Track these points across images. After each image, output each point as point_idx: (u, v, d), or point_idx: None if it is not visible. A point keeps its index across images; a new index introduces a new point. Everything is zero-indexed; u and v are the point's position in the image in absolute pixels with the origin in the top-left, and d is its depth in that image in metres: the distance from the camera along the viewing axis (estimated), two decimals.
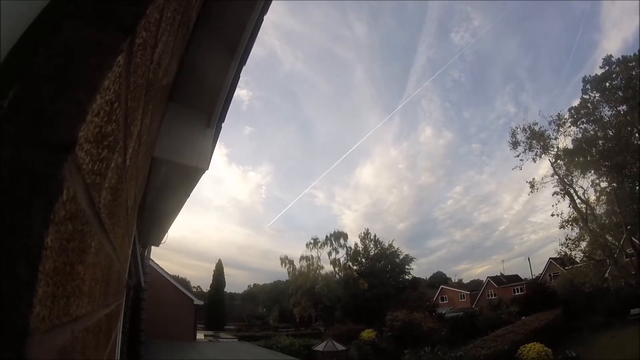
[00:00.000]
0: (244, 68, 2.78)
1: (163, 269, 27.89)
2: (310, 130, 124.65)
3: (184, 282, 50.16)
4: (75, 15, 0.54)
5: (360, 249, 57.50)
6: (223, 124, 3.09)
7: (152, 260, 20.56)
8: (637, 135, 29.95)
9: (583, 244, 31.98)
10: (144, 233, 6.16)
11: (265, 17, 2.60)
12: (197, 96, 2.73)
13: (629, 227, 28.85)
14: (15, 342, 0.44)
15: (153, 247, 10.40)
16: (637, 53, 29.74)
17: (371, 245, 57.36)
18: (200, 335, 33.43)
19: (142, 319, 10.97)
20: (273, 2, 2.53)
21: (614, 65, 30.91)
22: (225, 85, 2.65)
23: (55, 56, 0.54)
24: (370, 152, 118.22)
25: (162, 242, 7.48)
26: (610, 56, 31.59)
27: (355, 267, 56.07)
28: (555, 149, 33.16)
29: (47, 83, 0.52)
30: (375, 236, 58.20)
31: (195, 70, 2.49)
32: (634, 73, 29.19)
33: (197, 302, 29.39)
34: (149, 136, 1.63)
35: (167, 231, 6.21)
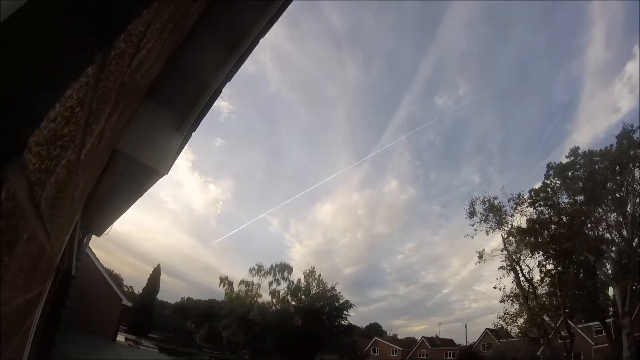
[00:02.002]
0: (230, 81, 2.81)
1: (99, 260, 26.45)
2: (280, 157, 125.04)
3: (117, 279, 47.44)
4: (52, 21, 0.56)
5: (303, 286, 56.69)
6: (194, 133, 3.06)
7: (90, 249, 19.48)
8: (589, 225, 31.78)
9: (520, 320, 33.03)
10: (88, 220, 5.87)
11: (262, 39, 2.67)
12: (175, 99, 2.71)
13: (567, 310, 30.15)
14: None
15: (95, 237, 9.88)
16: (602, 149, 31.94)
17: (314, 284, 56.71)
18: (121, 338, 31.38)
19: (65, 307, 10.24)
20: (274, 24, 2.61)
21: (579, 157, 33.01)
22: (205, 95, 2.65)
23: (18, 60, 0.55)
24: (333, 191, 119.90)
25: (105, 233, 7.14)
26: (577, 148, 33.79)
27: (293, 303, 55.14)
28: (509, 226, 34.66)
29: (7, 87, 0.53)
30: (319, 275, 57.56)
31: (180, 74, 2.49)
32: (596, 167, 31.28)
33: (125, 302, 27.86)
34: (113, 131, 1.60)
35: (112, 223, 5.94)
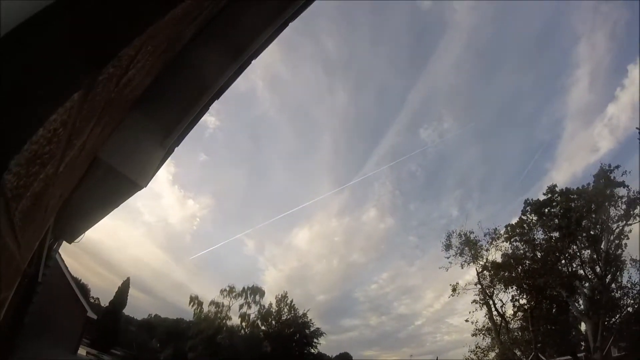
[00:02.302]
0: (219, 99, 2.85)
1: (67, 268, 25.45)
2: (261, 177, 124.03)
3: (84, 289, 45.56)
4: (40, 48, 0.58)
5: (274, 311, 55.93)
6: (177, 148, 3.05)
7: (60, 255, 18.81)
8: (563, 262, 32.43)
9: (492, 354, 33.03)
10: (60, 225, 5.71)
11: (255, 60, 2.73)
12: (162, 112, 2.72)
13: (539, 345, 30.30)
14: None
15: (66, 243, 9.57)
16: (579, 187, 32.93)
17: (285, 309, 55.98)
18: (82, 351, 30.00)
19: (28, 313, 9.82)
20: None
21: (557, 195, 33.91)
22: (191, 113, 2.67)
23: (8, 86, 0.57)
24: (312, 216, 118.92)
25: (77, 240, 6.94)
26: (555, 186, 34.65)
27: (263, 327, 54.33)
28: (484, 260, 35.13)
29: None
30: (292, 301, 56.98)
31: (170, 88, 2.51)
32: (572, 205, 32.16)
33: (90, 314, 26.79)
34: (96, 141, 1.60)
35: (85, 231, 5.79)
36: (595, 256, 30.67)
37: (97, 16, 0.65)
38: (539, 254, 33.06)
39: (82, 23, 0.66)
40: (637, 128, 29.73)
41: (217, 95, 2.66)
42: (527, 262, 33.32)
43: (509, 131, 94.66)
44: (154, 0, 0.98)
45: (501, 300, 34.05)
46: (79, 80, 0.63)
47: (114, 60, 0.73)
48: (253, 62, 2.74)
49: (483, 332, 33.59)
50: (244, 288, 58.13)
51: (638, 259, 29.11)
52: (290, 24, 2.76)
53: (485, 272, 34.79)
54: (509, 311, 34.06)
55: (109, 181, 2.87)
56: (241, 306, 56.86)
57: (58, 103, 0.59)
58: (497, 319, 33.27)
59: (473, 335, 34.05)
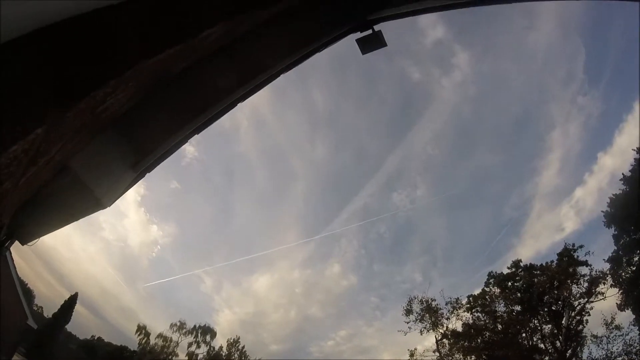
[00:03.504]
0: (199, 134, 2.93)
1: (15, 268, 24.00)
2: (229, 216, 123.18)
3: (29, 294, 42.79)
4: (12, 79, 0.65)
5: (224, 354, 53.77)
6: (148, 174, 3.07)
7: (10, 253, 17.84)
8: (524, 335, 32.51)
9: None
10: (17, 224, 5.51)
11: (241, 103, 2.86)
12: (138, 138, 2.76)
13: None
14: None
15: (19, 243, 9.13)
16: (543, 264, 33.71)
17: (236, 355, 54.04)
18: (16, 359, 27.66)
19: None
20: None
21: (520, 270, 34.60)
22: (169, 142, 2.74)
23: None
24: (274, 263, 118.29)
25: (30, 244, 6.66)
26: (520, 260, 35.45)
27: None
28: (444, 328, 34.98)
29: None
30: (243, 347, 55.22)
31: (151, 117, 2.58)
32: (535, 280, 32.75)
33: (31, 322, 25.00)
34: (66, 154, 1.64)
35: (41, 236, 5.60)
36: (556, 331, 31.04)
37: (74, 52, 0.73)
38: (499, 326, 33.17)
39: (58, 56, 0.74)
40: (602, 211, 31.23)
41: (198, 130, 2.76)
42: (488, 333, 33.30)
43: (479, 205, 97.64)
44: (144, 43, 1.09)
45: None
46: (42, 116, 0.71)
47: (87, 99, 0.81)
48: (239, 104, 2.88)
49: None
50: (195, 326, 55.66)
51: (599, 335, 29.56)
52: (283, 74, 2.93)
53: (444, 340, 34.52)
54: None
55: (73, 192, 2.86)
56: (190, 344, 54.31)
57: (17, 138, 0.66)
58: None
59: None
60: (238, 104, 2.68)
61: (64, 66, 0.73)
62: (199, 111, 2.61)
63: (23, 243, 7.50)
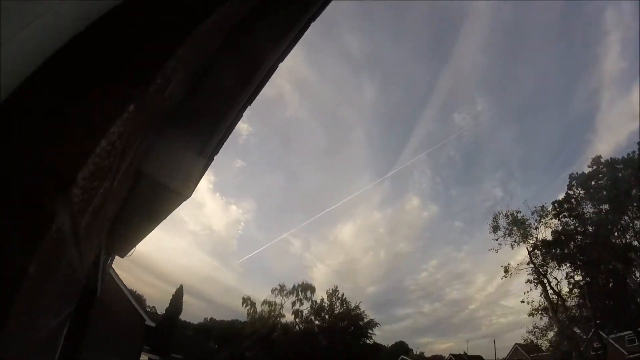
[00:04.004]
0: (251, 105, 2.87)
1: (122, 281, 26.78)
2: (299, 178, 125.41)
3: (140, 299, 47.89)
4: (94, 60, 0.60)
5: (326, 305, 56.62)
6: (216, 156, 3.12)
7: (113, 269, 19.79)
8: (616, 234, 30.84)
9: (550, 334, 31.95)
10: (112, 241, 5.99)
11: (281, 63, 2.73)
12: (197, 124, 2.78)
13: (598, 321, 28.97)
14: None
15: (118, 258, 10.03)
16: (625, 156, 31.18)
17: (337, 303, 56.57)
18: (144, 357, 31.55)
19: (87, 328, 10.39)
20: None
21: (602, 166, 32.39)
22: (227, 119, 2.72)
23: (65, 96, 0.59)
24: (354, 210, 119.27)
25: (128, 254, 7.26)
26: (600, 157, 33.14)
27: (317, 322, 55.14)
28: (534, 239, 33.77)
29: (53, 121, 0.56)
30: (343, 295, 57.53)
31: (203, 97, 2.57)
32: (619, 175, 30.54)
33: (148, 322, 28.05)
34: (141, 154, 1.66)
35: (136, 245, 6.04)
36: None
37: (140, 28, 0.66)
38: (590, 228, 31.63)
39: (128, 35, 0.68)
40: None
41: (249, 101, 2.70)
42: (579, 237, 31.97)
43: (545, 106, 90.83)
44: (191, 9, 1.00)
45: (556, 278, 32.77)
46: (132, 93, 0.65)
47: (161, 72, 0.75)
48: (280, 65, 2.75)
49: (540, 312, 32.37)
50: (294, 286, 59.31)
51: None
52: (312, 24, 2.75)
53: (536, 250, 33.47)
54: (565, 289, 32.78)
55: (154, 194, 2.97)
56: (293, 303, 57.87)
57: (115, 115, 0.61)
58: (553, 298, 31.97)
59: (530, 315, 32.97)
60: (278, 65, 2.55)
61: (136, 42, 0.67)
62: (245, 81, 2.53)
63: (122, 256, 8.23)
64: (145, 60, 0.72)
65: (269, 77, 2.76)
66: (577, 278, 32.03)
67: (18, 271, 0.49)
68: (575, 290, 32.09)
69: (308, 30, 2.77)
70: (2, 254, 0.49)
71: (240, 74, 2.47)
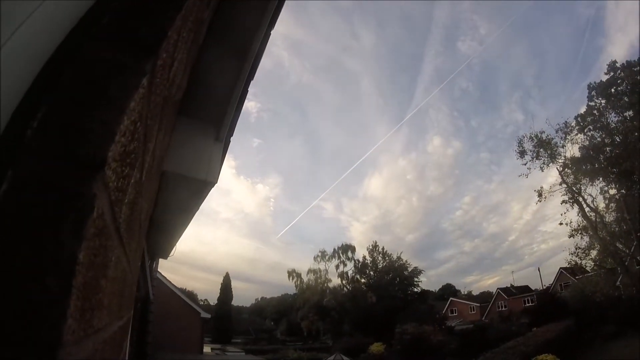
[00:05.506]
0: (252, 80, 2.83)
1: (170, 282, 27.87)
2: (317, 142, 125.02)
3: (191, 295, 49.98)
4: (100, 36, 0.58)
5: (369, 262, 57.19)
6: (232, 138, 3.12)
7: (160, 273, 20.57)
8: None
9: (593, 253, 31.47)
10: (152, 246, 6.19)
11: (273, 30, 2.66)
12: (206, 110, 2.77)
13: (639, 234, 28.42)
14: (46, 354, 0.46)
15: (161, 260, 10.43)
16: None
17: (379, 258, 57.07)
18: (207, 349, 33.20)
19: (149, 332, 10.96)
20: (280, 14, 2.59)
21: (619, 71, 30.82)
22: (234, 98, 2.69)
23: (81, 77, 0.57)
24: (378, 162, 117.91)
25: (171, 255, 7.50)
26: (615, 62, 31.46)
27: (363, 280, 55.87)
28: (563, 157, 32.89)
29: (75, 103, 0.55)
30: (383, 248, 57.98)
31: (205, 83, 2.54)
32: (638, 78, 29.08)
33: (204, 315, 29.27)
34: (160, 151, 1.66)
35: (175, 244, 6.23)
36: None
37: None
38: (617, 138, 30.49)
39: (127, 5, 0.65)
40: None
41: (250, 75, 2.65)
42: (607, 149, 30.92)
43: (548, 17, 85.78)
44: None
45: (591, 195, 32.03)
46: (143, 63, 0.63)
47: (165, 42, 0.72)
48: (272, 32, 2.67)
49: (579, 232, 31.91)
50: (334, 249, 59.88)
51: None
52: None
53: (567, 169, 32.66)
54: (601, 205, 32.05)
55: (182, 189, 3.03)
56: (337, 266, 58.60)
57: (132, 89, 0.58)
58: (590, 215, 31.42)
59: (570, 237, 32.49)
60: (271, 32, 2.47)
61: (136, 11, 0.65)
62: (241, 56, 2.47)
63: (165, 257, 8.53)
64: (149, 28, 0.69)
65: (264, 47, 2.69)
66: (612, 192, 31.25)
67: (69, 256, 0.48)
68: (612, 205, 31.37)
69: None
70: (51, 235, 0.48)
71: (234, 49, 2.40)
